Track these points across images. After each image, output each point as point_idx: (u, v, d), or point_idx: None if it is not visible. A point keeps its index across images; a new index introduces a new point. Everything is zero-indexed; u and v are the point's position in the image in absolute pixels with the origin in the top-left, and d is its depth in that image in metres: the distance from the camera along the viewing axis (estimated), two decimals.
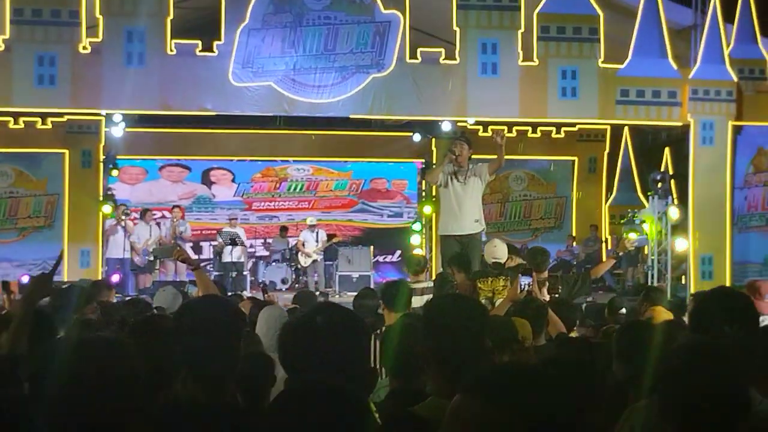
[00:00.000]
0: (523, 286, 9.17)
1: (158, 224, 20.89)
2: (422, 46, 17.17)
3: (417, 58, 16.80)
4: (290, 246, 21.17)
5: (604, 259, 18.67)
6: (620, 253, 12.28)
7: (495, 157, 12.00)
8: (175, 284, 13.49)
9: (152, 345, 3.50)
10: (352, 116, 17.71)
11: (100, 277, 17.19)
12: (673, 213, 17.80)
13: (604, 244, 21.87)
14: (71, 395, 2.63)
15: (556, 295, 9.71)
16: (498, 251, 9.90)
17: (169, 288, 9.27)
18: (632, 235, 15.81)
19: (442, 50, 16.97)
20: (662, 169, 19.33)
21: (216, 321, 3.35)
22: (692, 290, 16.25)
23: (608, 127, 21.42)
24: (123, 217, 18.95)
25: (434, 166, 14.41)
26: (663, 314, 8.12)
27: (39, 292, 4.21)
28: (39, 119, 18.95)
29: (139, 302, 8.11)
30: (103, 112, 17.92)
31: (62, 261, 4.40)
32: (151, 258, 19.62)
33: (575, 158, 22.29)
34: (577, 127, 21.23)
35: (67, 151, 19.40)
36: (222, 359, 3.26)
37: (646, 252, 19.27)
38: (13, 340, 3.98)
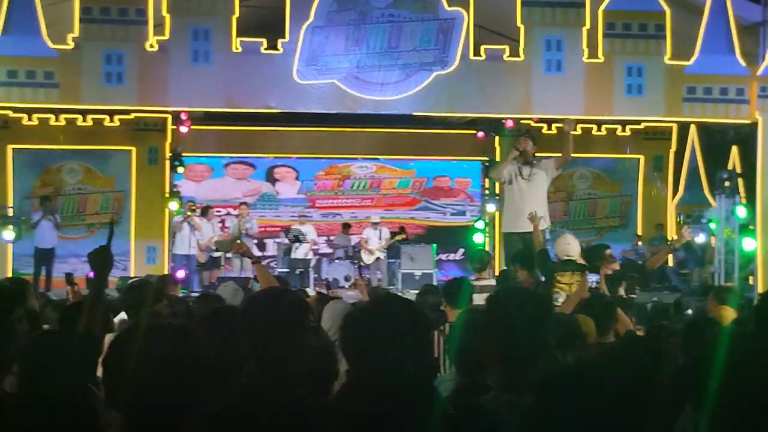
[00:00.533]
0: (590, 284, 9.14)
1: (222, 221, 21.06)
2: (486, 43, 17.14)
3: (481, 56, 16.76)
4: (353, 243, 21.24)
5: (669, 258, 18.45)
6: (677, 246, 11.98)
7: (560, 154, 11.95)
8: (238, 280, 13.59)
9: (219, 335, 3.55)
10: (415, 114, 17.71)
11: (166, 273, 17.37)
12: (741, 212, 17.54)
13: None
14: (141, 378, 2.68)
15: (633, 296, 9.61)
16: (571, 248, 9.80)
17: (231, 283, 9.35)
18: (685, 226, 15.57)
19: (507, 47, 16.91)
20: (730, 168, 19.04)
21: (282, 312, 3.38)
22: (760, 290, 16.00)
23: (675, 125, 21.12)
24: (189, 213, 19.13)
25: (498, 163, 14.38)
26: (731, 314, 8.02)
27: (102, 265, 4.27)
28: (107, 116, 19.18)
29: (209, 297, 8.18)
30: (170, 109, 18.13)
31: (114, 229, 4.45)
32: (214, 254, 19.79)
33: (641, 156, 22.02)
34: (643, 124, 20.97)
35: (134, 149, 19.62)
36: (287, 350, 3.29)
37: (712, 251, 19.01)
38: (88, 321, 4.07)
